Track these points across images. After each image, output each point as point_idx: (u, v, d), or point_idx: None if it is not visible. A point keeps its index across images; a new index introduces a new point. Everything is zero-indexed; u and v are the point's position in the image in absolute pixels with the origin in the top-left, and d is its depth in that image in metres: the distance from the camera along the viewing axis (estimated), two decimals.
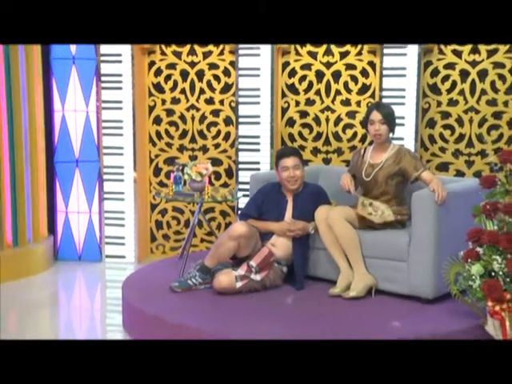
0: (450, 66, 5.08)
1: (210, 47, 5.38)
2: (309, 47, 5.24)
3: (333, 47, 5.19)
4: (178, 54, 5.44)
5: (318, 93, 5.27)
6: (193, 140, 5.51)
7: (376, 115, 4.01)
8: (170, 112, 5.52)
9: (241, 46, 5.15)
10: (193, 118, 5.49)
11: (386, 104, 4.32)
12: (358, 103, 5.18)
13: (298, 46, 5.24)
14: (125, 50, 5.28)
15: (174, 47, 5.43)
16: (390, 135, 4.09)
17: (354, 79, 5.19)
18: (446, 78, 5.09)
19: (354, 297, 3.79)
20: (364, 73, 5.18)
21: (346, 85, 5.23)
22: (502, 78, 5.02)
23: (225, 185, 5.45)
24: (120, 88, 5.34)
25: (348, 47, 5.18)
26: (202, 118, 5.47)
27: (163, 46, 5.44)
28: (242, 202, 4.90)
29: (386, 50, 4.95)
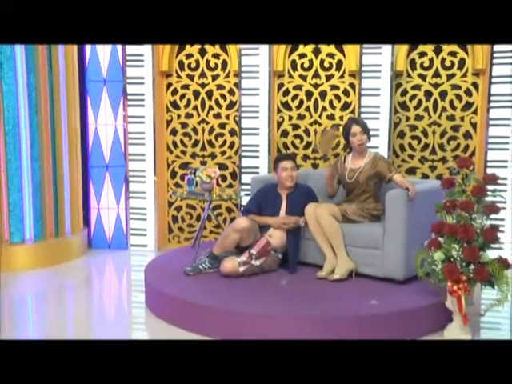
0: (416, 87, 5.10)
1: (218, 71, 5.39)
2: (300, 71, 5.24)
3: (320, 71, 5.21)
4: (191, 77, 5.45)
5: (307, 109, 5.28)
6: (203, 148, 5.52)
7: (356, 128, 4.03)
8: (184, 125, 5.53)
9: (243, 69, 5.16)
10: (203, 130, 5.49)
11: (359, 118, 4.33)
12: (341, 118, 5.18)
13: (291, 70, 5.24)
14: (147, 73, 5.28)
15: (187, 71, 5.43)
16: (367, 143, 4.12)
17: (338, 98, 5.20)
18: (413, 97, 5.11)
19: (337, 279, 3.79)
20: (346, 92, 5.19)
21: (330, 102, 5.23)
22: (458, 97, 5.04)
23: (230, 186, 5.46)
24: (143, 105, 5.34)
25: (332, 71, 5.18)
26: (211, 130, 5.48)
27: (179, 70, 5.44)
28: (245, 200, 4.92)
29: (364, 74, 4.96)
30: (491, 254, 3.32)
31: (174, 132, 5.55)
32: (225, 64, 5.37)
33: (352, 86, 5.16)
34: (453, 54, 5.01)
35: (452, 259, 3.30)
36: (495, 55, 4.79)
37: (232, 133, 5.44)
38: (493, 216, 3.36)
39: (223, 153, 5.49)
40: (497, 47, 4.77)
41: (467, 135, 5.06)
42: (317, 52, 5.19)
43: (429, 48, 5.03)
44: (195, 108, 5.48)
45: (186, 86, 5.47)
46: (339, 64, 5.17)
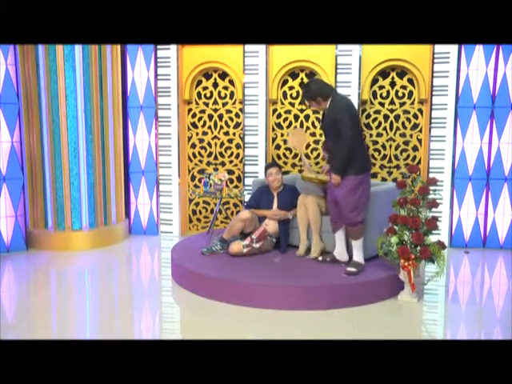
0: (377, 111, 5.08)
1: (227, 99, 5.36)
2: (289, 99, 5.21)
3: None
4: (206, 104, 5.43)
5: (295, 128, 5.24)
6: (215, 158, 5.50)
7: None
8: (201, 140, 5.51)
9: (246, 98, 5.13)
10: (215, 144, 5.48)
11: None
12: (321, 135, 5.16)
13: (283, 99, 5.21)
14: (173, 101, 5.26)
15: (204, 99, 5.41)
16: None
17: (318, 119, 5.18)
18: (374, 119, 5.09)
19: (315, 257, 3.79)
20: None
21: (313, 123, 5.22)
22: (408, 120, 5.03)
23: (236, 186, 5.44)
24: (170, 125, 5.32)
25: None
26: (222, 145, 5.46)
27: (197, 99, 5.41)
28: (247, 198, 4.91)
29: None
30: (432, 238, 3.33)
31: (193, 146, 5.53)
32: (232, 94, 5.36)
33: None
34: (404, 87, 5.01)
35: (404, 242, 3.31)
36: (434, 88, 4.79)
37: (238, 146, 5.42)
38: (434, 209, 3.38)
39: (231, 161, 5.47)
40: (436, 82, 4.77)
41: (415, 148, 5.05)
42: (302, 85, 5.19)
43: (386, 82, 5.03)
44: (209, 127, 5.46)
45: (202, 111, 5.46)
46: None
